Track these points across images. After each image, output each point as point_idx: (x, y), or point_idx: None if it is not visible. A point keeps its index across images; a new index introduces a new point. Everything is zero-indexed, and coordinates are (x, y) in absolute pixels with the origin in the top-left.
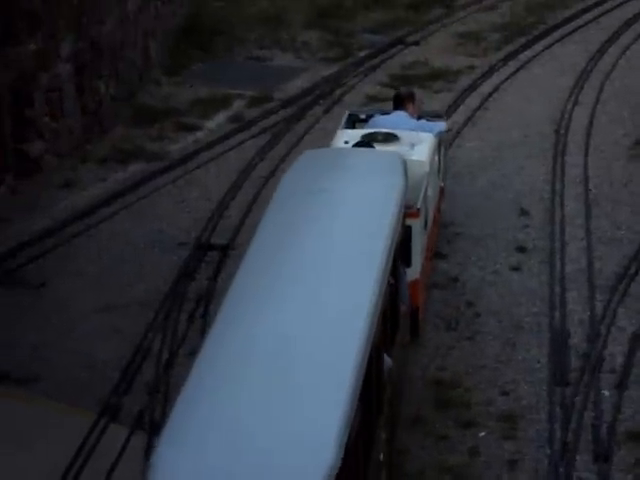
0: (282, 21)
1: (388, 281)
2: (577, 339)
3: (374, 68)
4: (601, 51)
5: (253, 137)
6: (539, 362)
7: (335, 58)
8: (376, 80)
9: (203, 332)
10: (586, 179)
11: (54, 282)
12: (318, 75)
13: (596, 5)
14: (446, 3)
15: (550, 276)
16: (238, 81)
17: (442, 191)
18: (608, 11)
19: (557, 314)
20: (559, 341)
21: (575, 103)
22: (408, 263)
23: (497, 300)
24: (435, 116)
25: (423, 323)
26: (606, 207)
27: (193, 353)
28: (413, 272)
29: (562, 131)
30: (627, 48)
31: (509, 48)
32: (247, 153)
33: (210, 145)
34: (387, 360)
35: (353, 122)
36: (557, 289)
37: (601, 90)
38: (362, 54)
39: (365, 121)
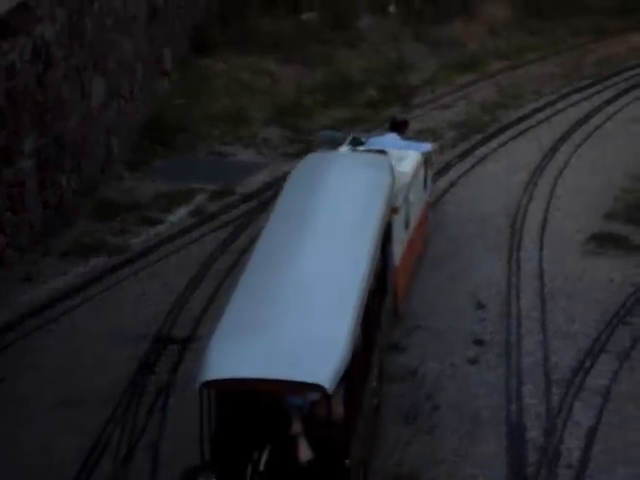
0: (243, 118)
1: (379, 251)
2: (534, 433)
3: None
4: (554, 149)
5: (214, 230)
6: (497, 456)
7: (295, 154)
8: None
9: (161, 425)
10: (541, 273)
11: (13, 377)
12: (279, 170)
13: (548, 105)
14: (403, 101)
15: (507, 369)
16: (200, 176)
17: (429, 205)
18: (559, 111)
19: (514, 407)
20: (516, 435)
21: (530, 199)
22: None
23: (455, 393)
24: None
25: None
26: (561, 301)
27: (152, 446)
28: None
29: (517, 226)
30: (578, 147)
31: (465, 145)
32: (208, 246)
33: (171, 238)
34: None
35: (355, 143)
36: (514, 382)
37: (555, 186)
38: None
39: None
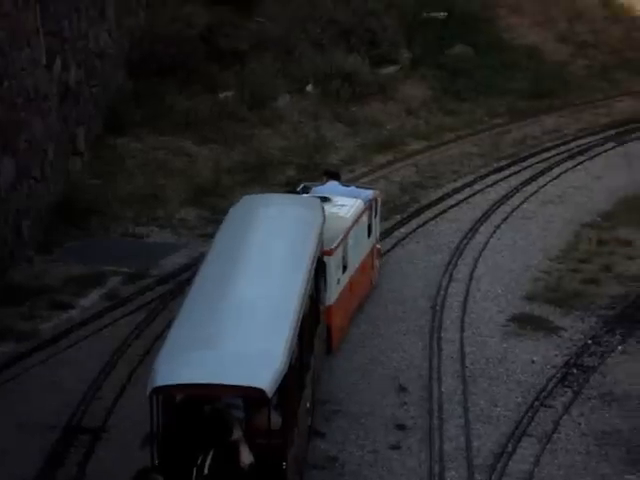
0: (159, 199)
1: (311, 282)
2: None
3: None
4: (473, 229)
5: (128, 314)
6: None
7: (212, 235)
8: None
9: None
10: (462, 355)
11: None
12: (196, 251)
13: (467, 186)
14: (322, 183)
15: (429, 455)
16: (114, 258)
17: (378, 251)
18: (478, 192)
19: None
20: None
21: (450, 280)
22: (324, 290)
23: None
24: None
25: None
26: (483, 384)
27: None
28: (328, 299)
29: (438, 307)
30: (497, 227)
31: (384, 225)
32: (122, 331)
33: (83, 323)
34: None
35: (305, 191)
36: (437, 468)
37: (475, 267)
38: None
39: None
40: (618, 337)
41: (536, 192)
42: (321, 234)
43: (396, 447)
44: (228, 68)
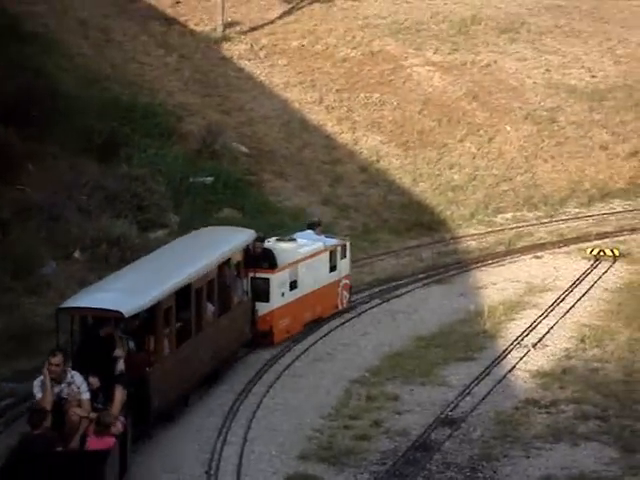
0: None
1: (220, 272)
2: None
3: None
4: (246, 390)
5: None
6: None
7: None
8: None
9: None
10: None
11: None
12: None
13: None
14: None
15: None
16: None
17: (345, 286)
18: (250, 352)
19: None
20: None
21: (224, 442)
22: (267, 299)
23: None
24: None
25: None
26: None
27: None
28: (270, 306)
29: (212, 472)
30: (270, 387)
31: None
32: None
33: None
34: (210, 306)
35: (291, 238)
36: None
37: (249, 429)
38: (4, 404)
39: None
40: None
41: (306, 350)
42: (241, 249)
43: None
44: None
